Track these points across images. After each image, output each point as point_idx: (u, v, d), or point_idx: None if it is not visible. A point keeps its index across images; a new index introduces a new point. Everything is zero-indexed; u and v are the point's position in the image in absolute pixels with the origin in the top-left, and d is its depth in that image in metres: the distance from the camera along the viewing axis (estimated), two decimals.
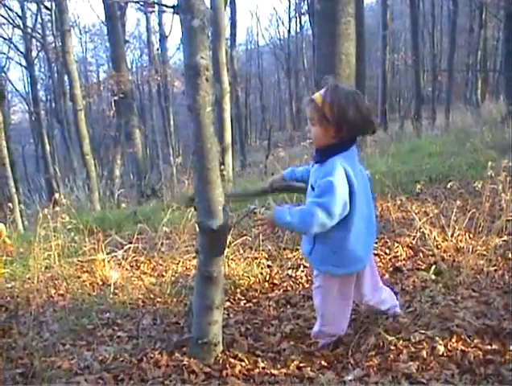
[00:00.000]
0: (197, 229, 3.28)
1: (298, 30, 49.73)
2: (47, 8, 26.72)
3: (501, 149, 9.21)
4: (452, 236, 5.04)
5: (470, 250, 4.68)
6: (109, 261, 5.46)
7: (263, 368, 3.31)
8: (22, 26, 29.71)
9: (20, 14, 29.29)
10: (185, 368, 3.27)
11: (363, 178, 3.24)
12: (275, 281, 4.87)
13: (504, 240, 4.90)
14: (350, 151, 3.19)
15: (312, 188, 3.22)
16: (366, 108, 3.13)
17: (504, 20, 20.51)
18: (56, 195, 6.99)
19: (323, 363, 3.33)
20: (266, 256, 5.44)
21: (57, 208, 6.52)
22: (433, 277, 4.41)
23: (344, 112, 3.06)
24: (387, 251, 5.25)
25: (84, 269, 5.61)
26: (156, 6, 25.16)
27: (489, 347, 3.22)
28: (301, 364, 3.33)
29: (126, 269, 5.43)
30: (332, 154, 3.13)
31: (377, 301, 3.63)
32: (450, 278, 4.32)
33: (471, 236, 5.12)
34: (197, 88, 2.92)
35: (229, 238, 5.06)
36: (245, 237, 5.74)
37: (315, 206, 3.05)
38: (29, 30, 30.19)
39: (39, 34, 30.45)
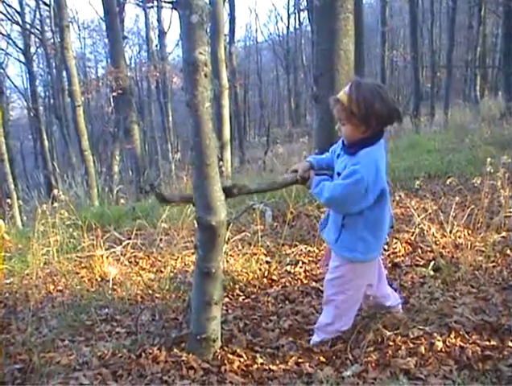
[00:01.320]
0: (196, 225, 3.28)
1: (297, 26, 49.75)
2: (45, 4, 26.78)
3: (500, 145, 9.23)
4: (450, 232, 5.05)
5: (469, 246, 4.69)
6: (107, 257, 5.46)
7: (262, 364, 3.31)
8: (20, 22, 29.69)
9: (19, 9, 29.27)
10: (184, 364, 3.27)
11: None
12: (274, 277, 4.87)
13: (502, 237, 4.92)
14: (379, 143, 3.25)
15: (338, 174, 3.29)
16: (391, 99, 3.17)
17: (503, 16, 20.53)
18: (55, 191, 6.98)
19: (321, 358, 3.33)
20: (265, 252, 5.45)
21: (56, 204, 6.52)
22: (432, 273, 4.43)
23: (371, 107, 3.10)
24: (386, 247, 5.25)
25: (83, 265, 5.61)
26: (155, 1, 25.19)
27: (487, 343, 3.24)
28: (300, 360, 3.33)
29: (125, 265, 5.43)
30: (364, 147, 3.18)
31: (381, 294, 3.65)
32: (448, 274, 4.32)
33: (470, 232, 5.13)
34: (196, 83, 2.92)
35: (228, 234, 5.06)
36: (243, 233, 5.74)
37: (334, 184, 3.25)
38: (27, 26, 30.16)
39: (37, 30, 30.42)
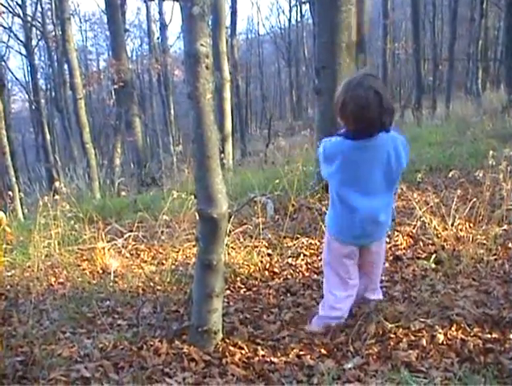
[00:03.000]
0: (197, 217, 3.28)
1: (298, 19, 49.62)
2: None
3: (502, 138, 9.22)
4: (452, 225, 5.04)
5: (470, 239, 4.69)
6: (109, 250, 5.46)
7: (263, 356, 3.31)
8: (21, 14, 29.63)
9: (20, 2, 29.19)
10: (185, 356, 3.27)
11: (367, 169, 3.45)
12: (275, 270, 4.87)
13: (504, 230, 4.91)
14: (359, 142, 3.38)
15: None
16: (371, 106, 3.22)
17: (505, 9, 20.48)
18: (57, 184, 6.99)
19: (322, 351, 3.33)
20: (266, 244, 5.45)
21: (57, 197, 6.52)
22: (433, 265, 4.43)
23: (341, 107, 3.32)
24: (387, 240, 5.24)
25: (84, 258, 5.62)
26: None
27: (488, 336, 3.23)
28: (301, 352, 3.33)
29: (126, 258, 5.43)
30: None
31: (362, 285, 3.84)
32: (450, 267, 4.32)
33: (471, 225, 5.12)
34: (197, 75, 2.92)
35: (229, 226, 5.06)
36: (245, 226, 5.74)
37: None
38: (29, 19, 30.09)
39: (38, 22, 30.38)
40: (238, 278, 4.71)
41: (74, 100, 16.49)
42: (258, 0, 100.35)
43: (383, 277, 4.41)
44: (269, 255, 5.21)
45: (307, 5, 33.68)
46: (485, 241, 4.74)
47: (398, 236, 5.27)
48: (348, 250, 3.65)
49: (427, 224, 5.13)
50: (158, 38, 37.18)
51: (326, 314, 3.70)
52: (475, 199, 5.14)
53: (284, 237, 5.52)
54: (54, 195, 6.60)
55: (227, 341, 3.47)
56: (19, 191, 12.24)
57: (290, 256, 5.14)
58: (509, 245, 4.76)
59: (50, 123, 36.18)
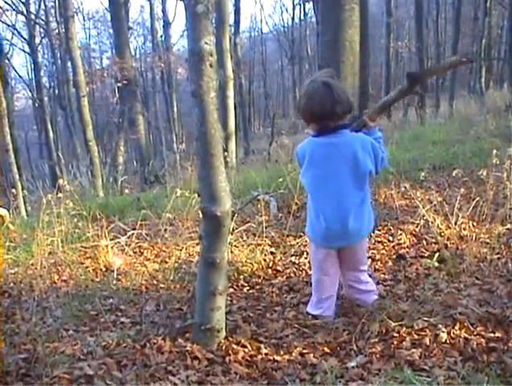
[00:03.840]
0: (201, 215, 3.28)
1: (302, 17, 49.50)
2: None
3: (505, 137, 9.18)
4: (455, 223, 5.03)
5: (474, 238, 4.69)
6: (112, 247, 5.47)
7: (266, 354, 3.32)
8: (25, 12, 29.63)
9: (23, 0, 29.20)
10: (188, 354, 3.28)
11: (333, 167, 3.59)
12: (278, 268, 4.88)
13: (507, 228, 4.91)
14: (324, 139, 3.59)
15: None
16: (308, 95, 3.54)
17: (509, 8, 20.49)
18: (60, 181, 6.99)
19: (326, 349, 3.34)
20: (270, 242, 5.45)
21: (60, 194, 6.52)
22: (436, 264, 4.42)
23: (298, 105, 3.66)
24: (390, 238, 5.25)
25: (88, 255, 5.62)
26: None
27: (491, 335, 3.23)
28: (304, 351, 3.34)
29: (130, 255, 5.44)
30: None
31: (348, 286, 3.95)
32: (453, 266, 4.32)
33: (474, 223, 5.12)
34: (201, 73, 2.92)
35: (233, 224, 5.06)
36: (248, 224, 5.74)
37: None
38: (32, 17, 30.08)
39: (42, 20, 30.36)
40: (241, 276, 4.71)
41: (77, 97, 16.50)
42: None
43: (386, 277, 4.42)
44: (272, 253, 5.21)
45: (311, 3, 33.63)
46: (488, 240, 4.74)
47: (401, 234, 5.27)
48: (324, 252, 3.76)
49: (430, 223, 5.12)
50: (161, 36, 37.23)
51: (310, 311, 3.86)
52: (478, 198, 5.14)
53: (287, 235, 5.52)
54: (57, 193, 6.59)
55: (230, 339, 3.47)
56: (22, 189, 12.23)
57: (293, 255, 5.14)
58: None
59: (53, 121, 36.14)
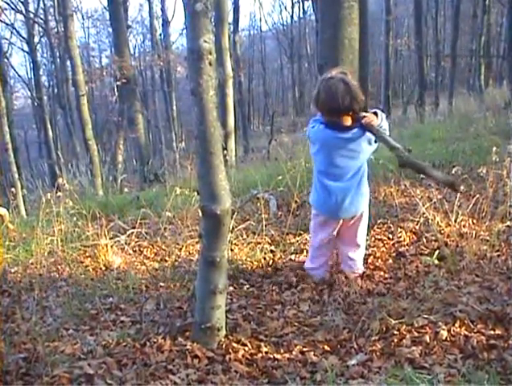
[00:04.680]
0: (200, 214, 3.28)
1: (301, 15, 49.53)
2: None
3: (505, 134, 9.17)
4: (455, 221, 5.04)
5: (473, 235, 4.69)
6: (112, 246, 5.46)
7: (266, 353, 3.32)
8: (24, 11, 29.62)
9: None
10: (188, 353, 3.28)
11: (335, 147, 4.06)
12: (278, 266, 4.87)
13: (507, 226, 4.90)
14: (336, 133, 3.99)
15: None
16: (328, 91, 3.83)
17: (508, 6, 20.40)
18: (60, 180, 6.98)
19: (326, 347, 3.34)
20: (269, 241, 5.44)
21: (60, 193, 6.51)
22: (436, 262, 4.42)
23: (316, 98, 3.94)
24: (390, 236, 5.25)
25: (87, 254, 5.61)
26: None
27: (492, 332, 3.24)
28: (304, 349, 3.34)
29: (129, 254, 5.43)
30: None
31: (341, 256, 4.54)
32: (453, 263, 4.32)
33: (474, 221, 5.12)
34: (200, 71, 2.92)
35: (233, 223, 5.07)
36: (248, 222, 5.74)
37: None
38: (31, 16, 30.05)
39: (41, 19, 30.31)
40: (241, 275, 4.71)
41: (76, 96, 16.47)
42: None
43: (386, 275, 4.42)
44: (272, 251, 5.21)
45: (310, 1, 33.59)
46: (488, 237, 4.74)
47: (401, 232, 5.27)
48: (325, 220, 4.34)
49: (430, 221, 5.12)
50: (160, 34, 37.16)
51: (307, 265, 4.56)
52: (478, 196, 5.14)
53: (287, 234, 5.52)
54: (57, 192, 6.59)
55: (230, 338, 3.48)
56: (22, 188, 12.23)
57: (293, 253, 5.14)
58: None
59: (52, 120, 36.15)
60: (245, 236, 5.51)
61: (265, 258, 5.02)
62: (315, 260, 4.49)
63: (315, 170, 4.30)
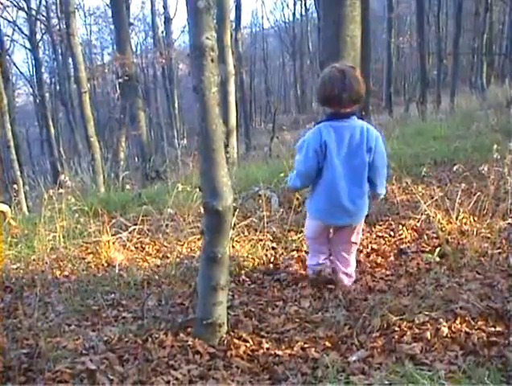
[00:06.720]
0: (202, 210, 3.29)
1: (303, 12, 49.64)
2: None
3: (507, 132, 9.18)
4: (456, 218, 5.04)
5: (475, 233, 4.69)
6: (113, 243, 5.47)
7: (267, 349, 3.33)
8: (26, 8, 29.67)
9: None
10: (190, 349, 3.29)
11: (347, 149, 3.90)
12: (280, 263, 4.88)
13: (508, 223, 4.91)
14: (335, 121, 3.87)
15: None
16: (332, 85, 3.75)
17: (510, 3, 20.41)
18: (61, 177, 6.99)
19: (327, 344, 3.35)
20: (271, 237, 5.45)
21: (62, 190, 6.52)
22: (437, 259, 4.43)
23: (317, 91, 3.94)
24: (392, 233, 5.26)
25: (89, 251, 5.62)
26: None
27: (492, 329, 3.24)
28: (305, 345, 3.35)
29: (131, 251, 5.44)
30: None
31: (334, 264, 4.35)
32: (454, 261, 4.33)
33: (475, 218, 5.12)
34: (203, 68, 2.92)
35: (234, 220, 5.07)
36: (250, 219, 5.74)
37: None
38: (33, 13, 30.10)
39: (43, 16, 30.39)
40: (243, 271, 4.71)
41: (78, 93, 16.44)
42: None
43: (387, 272, 4.43)
44: (273, 248, 5.21)
45: None
46: (489, 235, 4.75)
47: (402, 229, 5.28)
48: (317, 224, 4.29)
49: (431, 218, 5.13)
50: (162, 32, 37.22)
51: (309, 262, 4.48)
52: (479, 193, 5.15)
53: (289, 231, 5.53)
54: (59, 189, 6.60)
55: (232, 334, 3.48)
56: (24, 185, 12.27)
57: (294, 250, 5.14)
58: None
59: (54, 117, 36.18)
60: (246, 233, 5.52)
61: (266, 255, 5.02)
62: (314, 259, 4.43)
63: (320, 180, 4.02)
